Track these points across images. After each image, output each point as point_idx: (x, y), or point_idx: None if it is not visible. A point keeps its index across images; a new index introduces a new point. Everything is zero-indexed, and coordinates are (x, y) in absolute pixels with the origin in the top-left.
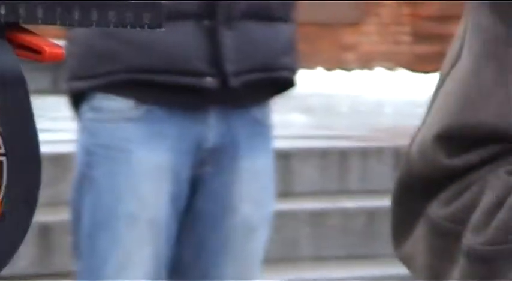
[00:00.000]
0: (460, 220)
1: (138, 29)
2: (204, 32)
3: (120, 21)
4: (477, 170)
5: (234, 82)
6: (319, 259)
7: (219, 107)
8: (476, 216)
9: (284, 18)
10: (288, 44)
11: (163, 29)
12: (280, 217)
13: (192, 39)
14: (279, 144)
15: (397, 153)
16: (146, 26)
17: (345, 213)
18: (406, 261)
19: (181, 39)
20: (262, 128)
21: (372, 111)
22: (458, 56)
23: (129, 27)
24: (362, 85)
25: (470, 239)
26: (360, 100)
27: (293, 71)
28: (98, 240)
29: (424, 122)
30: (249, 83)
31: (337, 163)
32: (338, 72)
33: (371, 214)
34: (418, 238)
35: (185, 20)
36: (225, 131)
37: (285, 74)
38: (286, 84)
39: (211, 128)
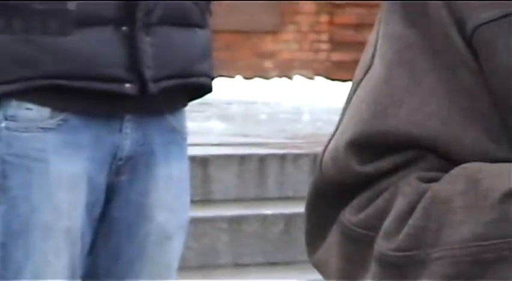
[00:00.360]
0: (372, 227)
1: (44, 36)
2: (122, 38)
3: (26, 28)
4: (389, 176)
5: (153, 88)
6: (237, 266)
7: (135, 114)
8: (388, 222)
9: (201, 25)
10: (205, 50)
11: (70, 36)
12: (199, 224)
13: (111, 45)
14: (198, 151)
15: (315, 160)
16: (52, 33)
17: (263, 220)
18: (320, 267)
19: (99, 45)
20: (178, 135)
21: (290, 118)
22: (370, 64)
23: (35, 33)
24: (281, 93)
25: (381, 245)
26: (279, 108)
27: (210, 77)
28: (13, 250)
29: (336, 129)
30: (168, 89)
31: (256, 170)
32: (257, 80)
33: (289, 221)
34: (331, 244)
35: (104, 25)
36: (141, 139)
37: (202, 80)
38: (203, 90)
39: (127, 136)
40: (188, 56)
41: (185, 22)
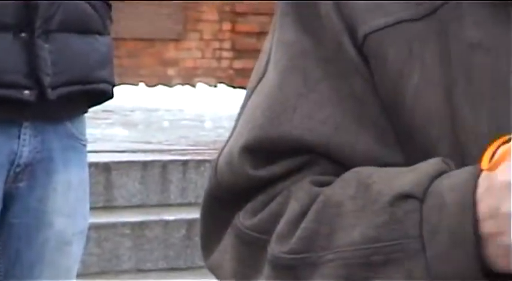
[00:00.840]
0: (266, 230)
1: None
2: (21, 45)
3: None
4: (282, 180)
5: (52, 95)
6: (140, 271)
7: (34, 121)
8: (281, 226)
9: (101, 31)
10: (105, 56)
11: None
12: (102, 230)
13: (9, 52)
14: (101, 158)
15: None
16: None
17: (166, 225)
18: (215, 270)
19: None
20: (77, 142)
21: (192, 125)
22: (264, 71)
23: None
24: (184, 100)
25: (275, 248)
26: (182, 115)
27: (110, 83)
28: None
29: (231, 134)
30: (66, 95)
31: (158, 176)
32: (160, 88)
33: (191, 226)
34: (226, 248)
35: (3, 32)
36: (40, 146)
37: (102, 86)
38: (104, 96)
39: (25, 142)
40: (87, 63)
41: (85, 29)
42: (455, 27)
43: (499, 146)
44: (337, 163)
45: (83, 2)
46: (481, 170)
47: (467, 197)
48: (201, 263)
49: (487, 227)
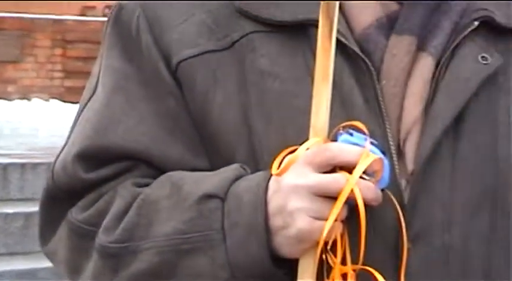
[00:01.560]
0: (95, 223)
1: None
2: None
3: None
4: (109, 182)
5: None
6: None
7: None
8: (107, 220)
9: None
10: None
11: None
12: None
13: None
14: None
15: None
16: None
17: (6, 217)
18: (51, 256)
19: None
20: None
21: (30, 134)
22: (94, 90)
23: None
24: (22, 113)
25: (102, 238)
26: (20, 126)
27: None
28: None
29: (66, 143)
30: None
31: (1, 176)
32: (1, 102)
33: (28, 218)
34: (61, 237)
35: None
36: None
37: None
38: None
39: None
40: None
41: None
42: (250, 58)
43: (286, 155)
44: (155, 168)
45: None
46: (271, 175)
47: (260, 197)
48: (37, 249)
49: (275, 221)
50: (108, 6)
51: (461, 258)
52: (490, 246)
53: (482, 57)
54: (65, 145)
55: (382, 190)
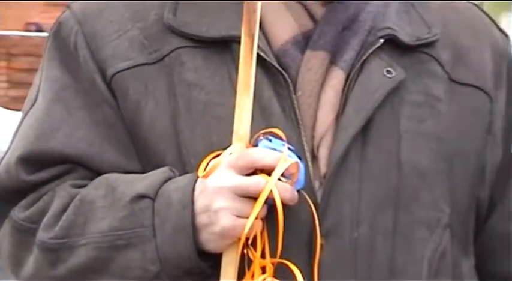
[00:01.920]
0: (35, 221)
1: None
2: None
3: None
4: (49, 183)
5: None
6: None
7: None
8: (47, 218)
9: None
10: None
11: None
12: None
13: None
14: None
15: None
16: None
17: None
18: None
19: None
20: None
21: None
22: (35, 99)
23: None
24: None
25: (42, 235)
26: None
27: None
28: None
29: (9, 148)
30: None
31: None
32: None
33: None
34: (4, 234)
35: None
36: None
37: None
38: None
39: None
40: None
41: None
42: (178, 70)
43: (211, 159)
44: (92, 171)
45: None
46: (198, 177)
47: (187, 197)
48: None
49: (201, 219)
50: (28, 23)
51: (369, 251)
52: (394, 240)
53: (387, 71)
54: (8, 149)
55: (298, 191)
